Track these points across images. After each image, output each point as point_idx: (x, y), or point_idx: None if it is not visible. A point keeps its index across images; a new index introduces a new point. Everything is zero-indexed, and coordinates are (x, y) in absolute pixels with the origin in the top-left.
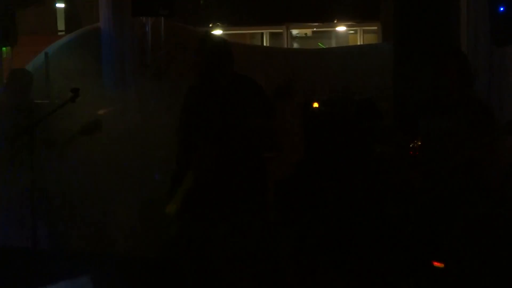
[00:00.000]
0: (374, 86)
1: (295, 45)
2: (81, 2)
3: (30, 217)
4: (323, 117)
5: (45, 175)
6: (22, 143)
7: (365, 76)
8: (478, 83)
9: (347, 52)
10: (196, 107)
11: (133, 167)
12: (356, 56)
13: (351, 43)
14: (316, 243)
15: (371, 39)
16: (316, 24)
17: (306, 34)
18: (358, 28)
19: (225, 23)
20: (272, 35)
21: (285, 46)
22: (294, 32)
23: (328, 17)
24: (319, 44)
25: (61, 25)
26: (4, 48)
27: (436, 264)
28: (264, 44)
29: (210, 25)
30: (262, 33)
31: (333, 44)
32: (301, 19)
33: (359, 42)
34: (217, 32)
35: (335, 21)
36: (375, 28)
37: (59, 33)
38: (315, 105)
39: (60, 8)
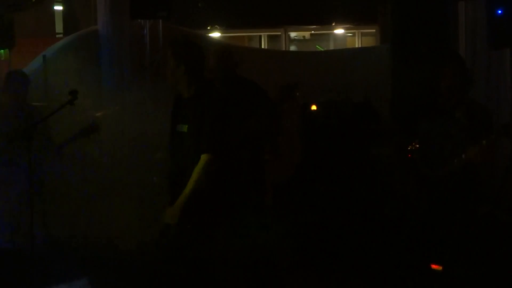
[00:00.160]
0: (371, 88)
1: (293, 48)
2: (79, 5)
3: (28, 218)
4: (321, 120)
5: (43, 177)
6: (20, 145)
7: (363, 78)
8: (476, 85)
9: (345, 55)
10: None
11: (131, 169)
12: (354, 58)
13: (349, 46)
14: (314, 245)
15: (369, 41)
16: (314, 26)
17: (304, 36)
18: (356, 31)
19: (223, 25)
20: (270, 38)
21: (283, 48)
22: (292, 34)
23: (326, 19)
24: (317, 46)
25: (59, 28)
26: (2, 51)
27: (434, 266)
28: (262, 47)
29: (208, 28)
30: (260, 36)
31: (331, 46)
32: (299, 22)
33: (357, 44)
34: (215, 34)
35: (333, 24)
36: (373, 30)
37: (57, 36)
38: (313, 107)
39: (58, 11)
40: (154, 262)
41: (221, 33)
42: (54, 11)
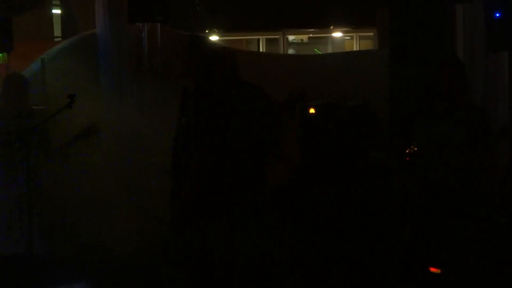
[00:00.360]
0: (369, 92)
1: (291, 51)
2: (77, 8)
3: (26, 223)
4: (319, 123)
5: (41, 181)
6: (19, 148)
7: (361, 82)
8: (474, 88)
9: (343, 58)
10: (202, 111)
11: (130, 171)
12: (352, 62)
13: (347, 49)
14: (312, 249)
15: (367, 45)
16: (312, 30)
17: (302, 40)
18: (354, 34)
19: (221, 29)
20: (268, 41)
21: (282, 52)
22: (291, 38)
23: (324, 23)
24: (315, 50)
25: (57, 31)
26: (0, 54)
27: (433, 270)
28: (261, 50)
29: (207, 31)
30: (258, 39)
31: (329, 50)
32: (297, 25)
33: (355, 48)
34: (214, 38)
35: (331, 27)
36: (371, 34)
37: (56, 39)
38: (312, 110)
39: (56, 14)
40: (153, 266)
41: (219, 36)
42: (52, 14)
